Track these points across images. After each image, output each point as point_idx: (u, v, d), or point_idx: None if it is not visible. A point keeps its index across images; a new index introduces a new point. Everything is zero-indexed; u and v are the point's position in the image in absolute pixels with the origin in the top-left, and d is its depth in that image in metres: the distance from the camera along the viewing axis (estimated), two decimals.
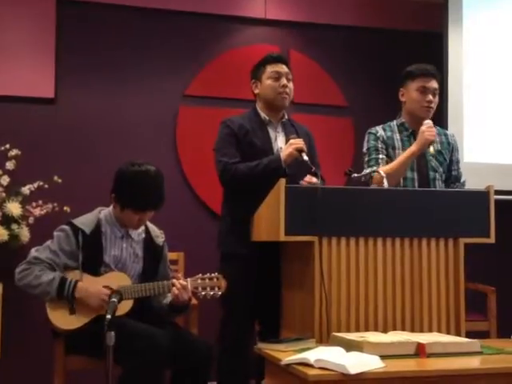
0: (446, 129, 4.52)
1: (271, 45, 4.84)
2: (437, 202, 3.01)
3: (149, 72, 4.69)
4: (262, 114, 3.46)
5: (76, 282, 2.96)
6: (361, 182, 3.27)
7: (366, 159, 3.47)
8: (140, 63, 4.67)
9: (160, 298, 3.14)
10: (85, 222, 3.08)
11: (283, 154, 3.24)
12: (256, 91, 3.50)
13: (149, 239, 3.21)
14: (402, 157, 3.36)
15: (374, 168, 3.31)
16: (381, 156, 3.43)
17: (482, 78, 4.91)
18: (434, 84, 3.46)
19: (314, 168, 3.18)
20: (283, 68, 3.44)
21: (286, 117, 3.52)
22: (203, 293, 3.06)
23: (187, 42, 4.78)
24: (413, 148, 3.34)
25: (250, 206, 3.19)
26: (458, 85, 4.83)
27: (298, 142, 3.22)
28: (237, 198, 3.36)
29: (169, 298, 3.12)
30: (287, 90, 3.43)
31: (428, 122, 3.36)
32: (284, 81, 3.41)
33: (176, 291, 2.99)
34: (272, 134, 3.44)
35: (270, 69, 3.43)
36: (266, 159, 3.27)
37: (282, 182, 2.85)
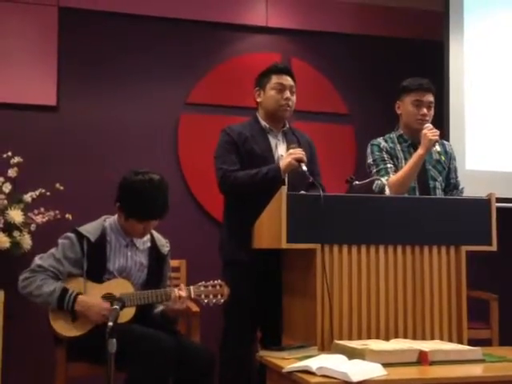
0: (448, 137, 4.55)
1: (273, 53, 4.86)
2: (438, 210, 3.01)
3: (151, 80, 4.70)
4: (263, 122, 3.46)
5: (76, 295, 2.95)
6: (362, 189, 3.26)
7: (375, 170, 3.47)
8: (142, 71, 4.69)
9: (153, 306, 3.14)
10: (90, 229, 3.08)
11: (282, 164, 3.23)
12: (258, 99, 3.49)
13: (154, 248, 3.21)
14: (410, 162, 3.38)
15: (384, 178, 3.32)
16: (389, 165, 3.45)
17: (483, 86, 4.91)
18: (429, 98, 3.50)
19: (311, 178, 3.17)
20: (288, 80, 3.43)
21: (288, 125, 3.51)
22: (206, 300, 3.06)
23: (189, 49, 4.79)
24: (420, 151, 3.35)
25: (251, 213, 3.18)
26: (459, 93, 4.83)
27: (298, 152, 3.21)
28: (238, 205, 3.36)
29: (160, 308, 3.12)
30: (289, 103, 3.42)
31: (428, 125, 3.40)
32: (287, 94, 3.41)
33: (174, 299, 2.99)
34: (272, 141, 3.44)
35: (275, 79, 3.42)
36: (265, 168, 3.26)
37: (284, 189, 2.85)
